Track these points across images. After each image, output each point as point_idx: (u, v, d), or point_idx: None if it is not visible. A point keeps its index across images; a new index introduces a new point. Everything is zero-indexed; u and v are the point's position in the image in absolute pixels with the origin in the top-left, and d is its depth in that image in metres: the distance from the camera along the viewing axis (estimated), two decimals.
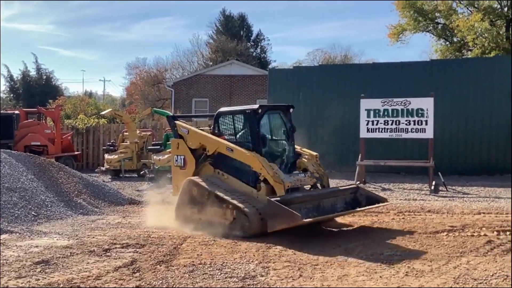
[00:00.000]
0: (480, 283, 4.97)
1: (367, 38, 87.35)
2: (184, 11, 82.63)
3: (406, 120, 11.80)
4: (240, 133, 8.41)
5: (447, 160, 13.57)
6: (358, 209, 7.89)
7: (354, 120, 13.24)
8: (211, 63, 43.66)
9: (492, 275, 5.18)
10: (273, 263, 5.88)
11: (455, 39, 28.78)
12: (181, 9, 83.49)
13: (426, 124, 11.58)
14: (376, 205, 8.10)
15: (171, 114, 10.13)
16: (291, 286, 5.10)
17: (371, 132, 12.39)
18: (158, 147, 15.69)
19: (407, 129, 11.80)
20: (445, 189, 11.27)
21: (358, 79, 15.17)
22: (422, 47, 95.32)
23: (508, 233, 6.91)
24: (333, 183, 12.79)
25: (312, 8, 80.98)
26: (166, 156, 14.71)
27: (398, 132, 11.93)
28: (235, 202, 7.52)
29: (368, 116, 12.38)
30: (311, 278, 5.32)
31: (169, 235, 7.40)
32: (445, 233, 7.06)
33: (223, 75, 29.57)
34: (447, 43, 29.67)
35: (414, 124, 11.72)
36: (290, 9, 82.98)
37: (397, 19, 30.21)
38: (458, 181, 12.51)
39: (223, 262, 5.92)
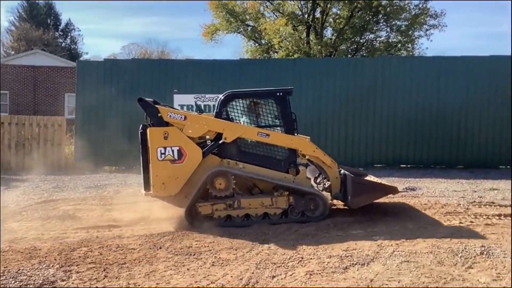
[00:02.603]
0: (279, 266, 5.35)
1: (184, 35, 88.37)
2: None
3: None
4: (262, 117, 7.88)
5: None
6: None
7: None
8: (12, 52, 39.59)
9: (289, 258, 5.63)
10: (77, 265, 5.52)
11: (263, 41, 30.75)
12: None
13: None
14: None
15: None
16: None
17: None
18: None
19: None
20: None
21: (172, 75, 15.19)
22: (235, 48, 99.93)
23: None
24: None
25: (128, 1, 78.77)
26: None
27: None
28: (303, 188, 7.58)
29: None
30: (117, 278, 5.13)
31: None
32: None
33: (26, 65, 27.02)
34: (256, 44, 31.56)
35: None
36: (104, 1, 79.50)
37: (211, 19, 31.12)
38: None
39: (19, 270, 5.36)
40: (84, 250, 6.14)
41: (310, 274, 5.05)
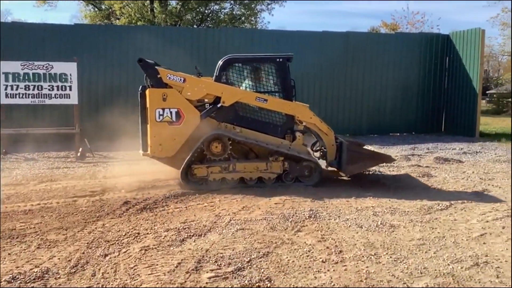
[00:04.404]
0: (113, 244, 5.11)
1: None
2: None
3: (49, 85, 11.14)
4: (260, 83, 7.97)
5: (95, 126, 13.59)
6: None
7: None
8: None
9: (125, 235, 5.41)
10: None
11: (103, 7, 29.00)
12: None
13: (70, 89, 11.25)
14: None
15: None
16: None
17: (11, 97, 11.23)
18: None
19: (51, 94, 11.18)
20: (92, 155, 11.29)
21: None
22: (74, 12, 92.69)
23: (142, 193, 7.37)
24: None
25: None
26: None
27: (41, 97, 11.18)
28: (298, 154, 7.70)
29: (7, 80, 11.17)
30: None
31: None
32: (85, 199, 7.03)
33: None
34: (96, 9, 29.67)
35: (58, 90, 11.19)
36: None
37: None
38: (106, 147, 12.63)
39: None
40: None
41: (145, 250, 4.91)
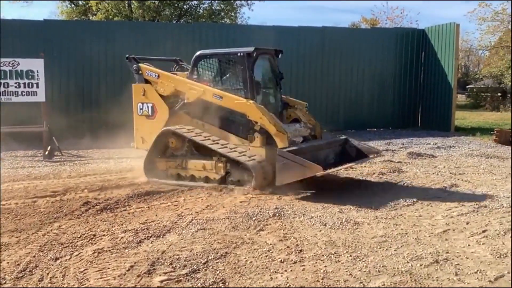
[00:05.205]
0: (66, 247, 4.94)
1: None
2: None
3: (16, 83, 10.88)
4: (228, 79, 7.81)
5: (66, 124, 13.29)
6: (353, 163, 7.75)
7: None
8: None
9: (80, 237, 5.24)
10: None
11: (80, 2, 28.53)
12: None
13: (38, 86, 10.98)
14: (368, 158, 7.95)
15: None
16: None
17: None
18: None
19: (17, 92, 10.91)
20: (60, 154, 11.04)
21: None
22: (51, 8, 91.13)
23: (105, 193, 7.19)
24: None
25: None
26: None
27: (8, 95, 10.91)
28: (230, 154, 7.10)
29: None
30: None
31: None
32: (45, 199, 6.82)
33: None
34: (73, 5, 29.17)
35: (25, 87, 10.93)
36: None
37: None
38: (77, 145, 12.36)
39: None
40: None
41: (99, 252, 4.75)
